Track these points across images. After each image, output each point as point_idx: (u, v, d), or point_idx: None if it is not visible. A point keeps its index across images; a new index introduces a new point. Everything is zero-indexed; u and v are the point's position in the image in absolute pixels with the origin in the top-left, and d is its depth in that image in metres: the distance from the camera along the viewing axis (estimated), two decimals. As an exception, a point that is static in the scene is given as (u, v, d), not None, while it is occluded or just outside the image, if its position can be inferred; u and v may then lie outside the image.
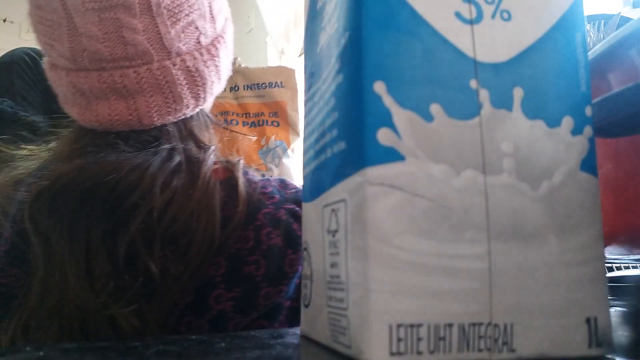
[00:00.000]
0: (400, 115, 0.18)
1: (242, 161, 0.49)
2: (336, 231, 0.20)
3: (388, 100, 0.18)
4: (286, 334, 0.27)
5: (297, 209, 0.47)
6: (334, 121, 0.21)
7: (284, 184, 0.50)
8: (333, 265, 0.20)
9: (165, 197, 0.42)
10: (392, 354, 0.17)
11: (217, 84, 0.51)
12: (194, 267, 0.41)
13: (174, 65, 0.46)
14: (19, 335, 0.40)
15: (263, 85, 1.09)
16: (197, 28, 0.48)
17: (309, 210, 0.25)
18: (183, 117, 0.49)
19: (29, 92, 0.92)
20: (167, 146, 0.46)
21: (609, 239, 0.32)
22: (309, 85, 0.26)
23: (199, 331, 0.42)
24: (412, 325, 0.17)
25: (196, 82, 0.48)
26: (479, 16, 0.20)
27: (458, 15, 0.20)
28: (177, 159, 0.45)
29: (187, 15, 0.46)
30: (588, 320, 0.19)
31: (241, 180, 0.46)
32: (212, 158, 0.47)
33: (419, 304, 0.18)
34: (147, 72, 0.45)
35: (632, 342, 0.24)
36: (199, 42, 0.48)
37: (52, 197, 0.42)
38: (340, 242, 0.20)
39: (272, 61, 2.43)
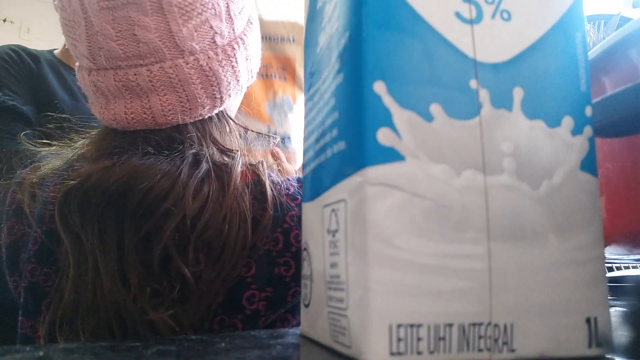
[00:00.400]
0: (400, 115, 0.18)
1: (265, 163, 0.50)
2: (336, 231, 0.20)
3: (388, 100, 0.18)
4: (286, 334, 0.27)
5: None
6: (334, 121, 0.21)
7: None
8: (333, 265, 0.20)
9: (197, 205, 0.42)
10: (392, 354, 0.17)
11: (234, 86, 0.51)
12: (227, 270, 0.42)
13: (187, 63, 0.46)
14: (55, 330, 0.41)
15: (275, 38, 1.08)
16: (211, 27, 0.47)
17: (309, 210, 0.25)
18: (200, 117, 0.49)
19: (17, 84, 0.92)
20: (191, 151, 0.46)
21: (609, 239, 0.32)
22: (309, 85, 0.26)
23: (232, 329, 0.44)
24: (412, 325, 0.17)
25: (211, 82, 0.48)
26: (479, 16, 0.20)
27: (458, 15, 0.20)
28: (205, 166, 0.45)
29: (200, 13, 0.46)
30: (588, 320, 0.19)
31: (268, 183, 0.46)
32: (239, 163, 0.47)
33: (419, 304, 0.18)
34: (160, 70, 0.46)
35: (632, 342, 0.24)
36: (214, 42, 0.48)
37: (81, 196, 0.43)
38: (340, 242, 0.20)
39: (272, 61, 2.43)
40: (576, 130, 0.20)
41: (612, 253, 0.36)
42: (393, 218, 0.18)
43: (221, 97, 0.49)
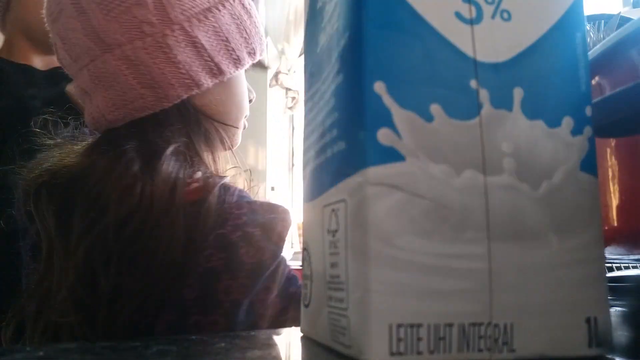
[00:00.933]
0: (400, 115, 0.18)
1: (227, 179, 0.48)
2: (336, 231, 0.20)
3: (388, 100, 0.18)
4: (286, 334, 0.27)
5: (256, 232, 0.44)
6: (334, 121, 0.21)
7: (269, 208, 0.47)
8: (333, 265, 0.20)
9: (123, 213, 0.41)
10: (392, 354, 0.17)
11: (176, 75, 0.47)
12: (151, 286, 0.41)
13: (114, 57, 0.46)
14: (19, 329, 0.42)
15: None
16: (135, 17, 0.46)
17: (309, 210, 0.25)
18: (147, 111, 0.47)
19: None
20: (132, 149, 0.45)
21: (609, 239, 0.32)
22: (309, 85, 0.26)
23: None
24: (412, 325, 0.17)
25: (141, 72, 0.47)
26: (479, 16, 0.20)
27: (458, 15, 0.20)
28: (136, 167, 0.44)
29: (120, 4, 0.46)
30: (588, 320, 0.19)
31: (212, 202, 0.44)
32: (185, 173, 0.45)
33: (419, 304, 0.18)
34: (94, 68, 0.47)
35: (632, 342, 0.24)
36: (142, 31, 0.46)
37: (48, 194, 0.44)
38: (340, 242, 0.20)
39: (272, 61, 2.43)
40: (576, 130, 0.20)
41: (612, 253, 0.36)
42: (393, 218, 0.18)
43: (161, 87, 0.47)
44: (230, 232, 0.43)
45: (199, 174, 0.46)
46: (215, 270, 0.42)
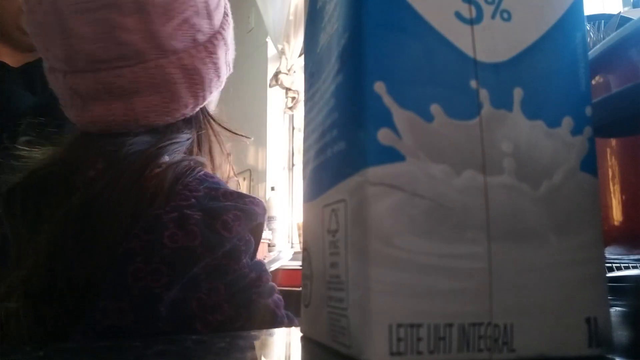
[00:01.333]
0: (400, 115, 0.18)
1: (202, 166, 0.46)
2: (336, 231, 0.20)
3: (388, 100, 0.18)
4: (286, 334, 0.27)
5: (195, 215, 0.40)
6: (334, 121, 0.21)
7: (233, 197, 0.44)
8: (333, 265, 0.20)
9: (89, 196, 0.40)
10: (392, 354, 0.17)
11: (215, 82, 0.50)
12: (92, 273, 0.38)
13: (170, 63, 0.45)
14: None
15: None
16: (192, 25, 0.47)
17: (309, 210, 0.25)
18: (182, 117, 0.48)
19: None
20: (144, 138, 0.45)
21: (609, 239, 0.32)
22: (309, 85, 0.26)
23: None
24: (412, 325, 0.17)
25: (194, 81, 0.47)
26: (479, 16, 0.20)
27: (458, 15, 0.20)
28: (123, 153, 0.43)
29: (181, 12, 0.46)
30: (588, 320, 0.19)
31: (164, 180, 0.42)
32: (172, 157, 0.44)
33: (419, 304, 0.18)
34: (143, 70, 0.45)
35: (632, 342, 0.24)
36: (195, 40, 0.47)
37: (23, 194, 0.42)
38: (340, 242, 0.20)
39: (272, 61, 2.43)
40: (576, 130, 0.20)
41: (612, 253, 0.36)
42: (393, 218, 0.18)
43: (204, 95, 0.49)
44: (166, 212, 0.40)
45: (177, 159, 0.45)
46: (131, 252, 0.38)
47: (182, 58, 0.46)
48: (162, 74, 0.45)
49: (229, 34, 0.52)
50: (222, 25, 0.51)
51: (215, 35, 0.50)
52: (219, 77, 0.50)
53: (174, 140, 0.46)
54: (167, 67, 0.45)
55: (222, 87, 0.53)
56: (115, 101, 0.45)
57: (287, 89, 2.29)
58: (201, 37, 0.48)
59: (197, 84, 0.47)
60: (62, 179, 0.42)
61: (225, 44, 0.51)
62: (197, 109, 0.49)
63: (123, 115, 0.45)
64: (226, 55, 0.51)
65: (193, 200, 0.41)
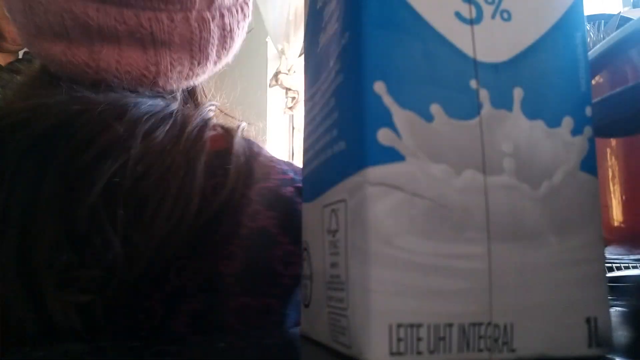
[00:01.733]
0: (400, 115, 0.18)
1: (244, 125, 0.39)
2: (336, 231, 0.20)
3: (388, 100, 0.18)
4: (286, 334, 0.27)
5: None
6: (334, 121, 0.21)
7: (289, 164, 0.39)
8: (333, 265, 0.20)
9: (143, 149, 0.31)
10: (392, 354, 0.17)
11: (235, 48, 0.42)
12: (158, 240, 0.30)
13: (213, 19, 0.37)
14: None
15: None
16: None
17: (309, 210, 0.25)
18: (197, 80, 0.40)
19: None
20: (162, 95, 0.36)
21: (609, 239, 0.32)
22: (309, 85, 0.26)
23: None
24: (412, 325, 0.17)
25: (226, 45, 0.40)
26: (479, 16, 0.20)
27: (458, 15, 0.20)
28: (173, 107, 0.35)
29: None
30: (588, 320, 0.19)
31: (237, 147, 0.35)
32: (205, 115, 0.37)
33: (419, 304, 0.18)
34: (183, 20, 0.35)
35: (632, 342, 0.24)
36: None
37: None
38: (340, 242, 0.20)
39: (272, 61, 2.43)
40: (576, 131, 0.20)
41: (612, 253, 0.36)
42: (393, 218, 0.18)
43: (223, 60, 0.41)
44: (276, 186, 0.34)
45: (207, 114, 0.37)
46: (268, 232, 0.32)
47: (225, 15, 0.38)
48: (202, 30, 0.37)
49: None
50: None
51: None
52: (239, 42, 0.43)
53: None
54: (210, 23, 0.37)
55: None
56: (136, 49, 0.35)
57: (287, 89, 2.29)
58: None
59: (225, 49, 0.40)
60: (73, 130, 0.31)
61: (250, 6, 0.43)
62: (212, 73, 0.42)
63: (144, 67, 0.35)
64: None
65: (291, 174, 0.36)
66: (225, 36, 0.39)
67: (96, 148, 0.30)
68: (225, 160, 0.34)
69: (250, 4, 0.43)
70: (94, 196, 0.29)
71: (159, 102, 0.35)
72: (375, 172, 0.18)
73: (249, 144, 0.37)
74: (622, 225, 0.32)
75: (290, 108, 2.34)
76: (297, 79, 2.25)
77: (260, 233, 0.32)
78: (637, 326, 0.28)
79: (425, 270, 0.18)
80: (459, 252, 0.18)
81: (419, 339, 0.17)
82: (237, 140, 0.36)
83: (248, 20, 0.42)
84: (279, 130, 2.48)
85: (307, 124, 0.26)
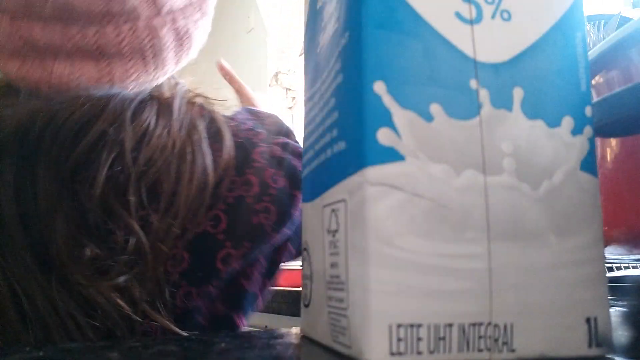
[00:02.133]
0: (400, 115, 0.18)
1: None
2: (336, 231, 0.20)
3: (388, 100, 0.18)
4: (286, 334, 0.27)
5: (289, 141, 0.39)
6: (334, 121, 0.21)
7: (255, 115, 0.41)
8: (333, 265, 0.20)
9: (137, 132, 0.32)
10: (392, 354, 0.17)
11: (196, 48, 0.42)
12: (183, 221, 0.32)
13: (163, 25, 0.36)
14: None
15: None
16: None
17: (309, 210, 0.25)
18: (157, 83, 0.40)
19: None
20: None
21: (609, 239, 0.33)
22: (309, 85, 0.26)
23: (205, 303, 0.34)
24: (412, 325, 0.17)
25: (182, 46, 0.39)
26: (479, 16, 0.20)
27: (458, 15, 0.20)
28: (144, 92, 0.36)
29: None
30: (588, 320, 0.19)
31: (220, 117, 0.37)
32: (182, 90, 0.38)
33: (419, 304, 0.18)
34: (130, 31, 0.35)
35: (632, 342, 0.24)
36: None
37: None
38: (340, 242, 0.20)
39: (272, 61, 2.43)
40: (576, 130, 0.20)
41: (612, 253, 0.36)
42: (393, 218, 0.18)
43: (184, 60, 0.41)
44: (267, 147, 0.37)
45: (183, 90, 0.39)
46: (286, 190, 0.35)
47: (177, 19, 0.37)
48: (151, 38, 0.36)
49: None
50: None
51: None
52: (201, 41, 0.42)
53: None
54: (160, 29, 0.36)
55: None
56: (87, 62, 0.35)
57: (287, 89, 2.29)
58: None
59: (184, 50, 0.39)
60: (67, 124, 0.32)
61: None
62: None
63: (97, 80, 0.35)
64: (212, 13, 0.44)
65: (276, 147, 0.38)
66: (182, 38, 0.39)
67: (87, 142, 0.31)
68: (209, 129, 0.36)
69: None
70: (98, 187, 0.30)
71: (126, 91, 0.36)
72: (375, 172, 0.18)
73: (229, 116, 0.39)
74: (622, 225, 0.32)
75: (290, 108, 2.34)
76: (297, 79, 2.25)
77: (283, 191, 0.36)
78: (637, 326, 0.28)
79: (425, 270, 0.18)
80: (459, 252, 0.18)
81: (419, 339, 0.17)
82: (217, 112, 0.37)
83: (209, 16, 0.42)
84: (279, 130, 2.48)
85: (307, 124, 0.26)
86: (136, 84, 0.37)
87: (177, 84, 0.40)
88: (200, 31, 0.41)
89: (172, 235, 0.32)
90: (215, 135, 0.36)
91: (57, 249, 0.30)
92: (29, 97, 0.34)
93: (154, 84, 0.39)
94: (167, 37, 0.37)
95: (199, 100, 0.39)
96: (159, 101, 0.36)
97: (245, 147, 0.36)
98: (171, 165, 0.32)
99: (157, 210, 0.32)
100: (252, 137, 0.38)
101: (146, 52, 0.37)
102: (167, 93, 0.38)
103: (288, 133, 0.41)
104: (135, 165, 0.31)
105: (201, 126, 0.35)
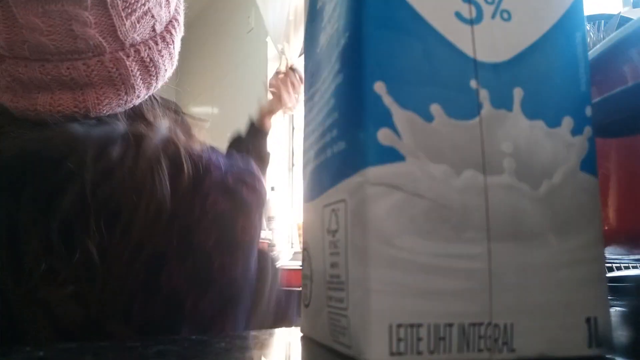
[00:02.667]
0: (400, 115, 0.18)
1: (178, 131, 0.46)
2: (336, 231, 0.20)
3: (388, 100, 0.18)
4: (286, 334, 0.27)
5: (245, 174, 0.45)
6: (334, 121, 0.21)
7: (229, 155, 0.47)
8: (333, 265, 0.20)
9: (101, 168, 0.38)
10: (392, 354, 0.17)
11: (169, 70, 0.48)
12: (137, 244, 0.38)
13: (128, 56, 0.43)
14: None
15: None
16: (152, 17, 0.45)
17: (309, 210, 0.25)
18: (132, 105, 0.46)
19: None
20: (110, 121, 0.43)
21: (609, 239, 0.32)
22: (309, 85, 0.26)
23: (152, 314, 0.39)
24: (412, 325, 0.17)
25: (150, 72, 0.45)
26: (479, 16, 0.20)
27: (458, 15, 0.20)
28: (120, 128, 0.41)
29: (144, 4, 0.43)
30: (588, 320, 0.19)
31: (183, 149, 0.42)
32: (161, 133, 0.43)
33: (419, 304, 0.18)
34: (98, 64, 0.42)
35: (632, 342, 0.24)
36: (153, 30, 0.45)
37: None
38: (340, 242, 0.20)
39: (272, 61, 2.43)
40: (576, 130, 0.20)
41: (612, 253, 0.36)
42: (393, 218, 0.18)
43: (157, 84, 0.47)
44: (220, 177, 0.43)
45: (161, 132, 0.44)
46: (227, 213, 0.42)
47: (140, 51, 0.44)
48: (118, 68, 0.43)
49: (182, 14, 0.50)
50: (176, 9, 0.49)
51: (172, 22, 0.48)
52: (172, 65, 0.48)
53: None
54: (125, 60, 0.43)
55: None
56: (65, 92, 0.42)
57: (287, 89, 2.28)
58: (159, 27, 0.46)
59: (152, 76, 0.46)
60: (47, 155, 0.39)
61: (180, 27, 0.49)
62: (147, 96, 0.48)
63: (73, 106, 0.42)
64: (180, 38, 0.50)
65: (229, 177, 0.43)
66: (147, 67, 0.45)
67: (60, 174, 0.37)
68: (171, 160, 0.41)
69: (177, 28, 0.48)
70: (63, 212, 0.36)
71: (105, 127, 0.42)
72: (375, 172, 0.18)
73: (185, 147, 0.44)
74: (622, 225, 0.32)
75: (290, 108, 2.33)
76: (297, 79, 2.25)
77: (223, 214, 0.42)
78: (637, 326, 0.28)
79: (425, 270, 0.18)
80: (459, 252, 0.18)
81: (419, 339, 0.17)
82: (180, 145, 0.42)
83: (175, 46, 0.48)
84: (279, 130, 2.48)
85: (307, 124, 0.26)
86: (110, 107, 0.43)
87: (153, 122, 0.45)
88: (165, 59, 0.47)
89: (123, 258, 0.37)
90: (176, 166, 0.41)
91: (27, 261, 0.36)
92: (22, 129, 0.41)
93: (129, 106, 0.45)
94: (133, 66, 0.44)
95: (174, 134, 0.44)
96: (130, 140, 0.41)
97: (200, 176, 0.42)
98: (129, 199, 0.38)
99: (114, 235, 0.38)
100: (210, 168, 0.43)
101: (115, 81, 0.43)
102: (142, 131, 0.42)
103: (251, 174, 0.46)
104: (94, 197, 0.37)
105: (165, 162, 0.40)
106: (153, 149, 0.41)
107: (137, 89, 0.45)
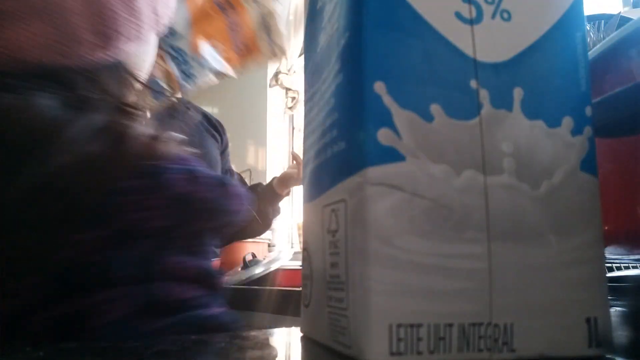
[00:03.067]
0: (400, 115, 0.18)
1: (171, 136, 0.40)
2: (336, 231, 0.20)
3: (388, 100, 0.18)
4: (286, 334, 0.27)
5: (198, 187, 0.39)
6: (334, 121, 0.21)
7: (209, 169, 0.43)
8: (333, 265, 0.20)
9: (69, 159, 0.32)
10: (392, 353, 0.17)
11: (132, 27, 0.38)
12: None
13: None
14: None
15: None
16: None
17: (309, 210, 0.25)
18: (82, 60, 0.36)
19: None
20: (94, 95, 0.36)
21: (609, 239, 0.32)
22: (309, 85, 0.26)
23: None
24: (412, 325, 0.17)
25: (97, 13, 0.36)
26: (479, 16, 0.20)
27: (458, 15, 0.20)
28: (101, 118, 0.35)
29: None
30: (588, 320, 0.19)
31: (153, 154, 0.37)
32: (141, 130, 0.37)
33: (419, 304, 0.18)
34: None
35: (632, 342, 0.24)
36: None
37: None
38: (340, 242, 0.20)
39: (272, 61, 2.43)
40: (576, 130, 0.20)
41: (612, 253, 0.36)
42: (393, 218, 0.18)
43: (110, 37, 0.37)
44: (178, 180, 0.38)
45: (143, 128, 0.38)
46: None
47: None
48: None
49: None
50: None
51: None
52: (137, 22, 0.39)
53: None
54: None
55: (149, 45, 0.42)
56: (36, 22, 0.34)
57: (287, 89, 2.29)
58: None
59: (102, 20, 0.36)
60: None
61: None
62: (106, 55, 0.38)
63: (3, 47, 0.34)
64: (153, 1, 0.40)
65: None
66: (93, 3, 0.37)
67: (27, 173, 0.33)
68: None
69: None
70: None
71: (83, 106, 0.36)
72: (375, 172, 0.18)
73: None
74: (622, 225, 0.32)
75: (290, 108, 2.34)
76: (297, 79, 2.25)
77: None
78: (637, 326, 0.28)
79: (425, 270, 0.18)
80: (459, 252, 0.18)
81: (419, 339, 0.17)
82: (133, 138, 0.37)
83: None
84: (279, 130, 2.48)
85: (307, 124, 0.26)
86: (43, 52, 0.35)
87: (136, 115, 0.39)
88: (119, 3, 0.38)
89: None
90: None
91: None
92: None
93: (72, 58, 0.36)
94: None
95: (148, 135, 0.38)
96: (108, 131, 0.36)
97: (152, 176, 0.37)
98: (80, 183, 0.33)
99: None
100: (165, 169, 0.38)
101: (42, 13, 0.34)
102: (123, 123, 0.37)
103: (222, 183, 0.43)
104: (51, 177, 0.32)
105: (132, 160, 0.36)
106: (132, 149, 0.36)
107: (78, 30, 0.35)
